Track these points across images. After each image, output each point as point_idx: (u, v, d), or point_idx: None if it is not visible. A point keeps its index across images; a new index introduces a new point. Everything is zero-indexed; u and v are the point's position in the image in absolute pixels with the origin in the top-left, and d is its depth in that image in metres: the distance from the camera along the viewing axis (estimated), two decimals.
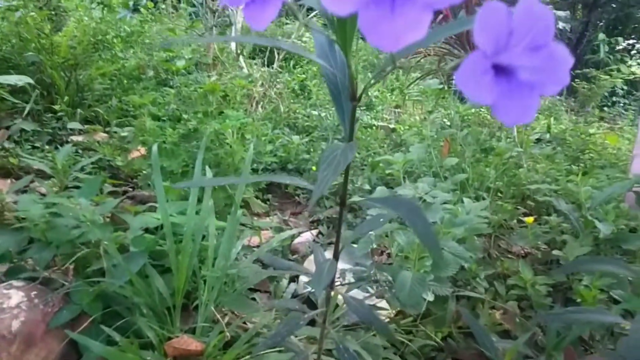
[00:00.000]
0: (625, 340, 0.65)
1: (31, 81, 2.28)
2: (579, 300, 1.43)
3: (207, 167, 1.34)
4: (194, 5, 4.35)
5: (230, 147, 1.81)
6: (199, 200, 1.39)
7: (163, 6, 5.02)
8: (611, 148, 3.39)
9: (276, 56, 4.26)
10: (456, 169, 1.97)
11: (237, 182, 1.23)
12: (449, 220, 1.28)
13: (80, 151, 2.36)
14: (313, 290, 1.45)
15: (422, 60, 2.87)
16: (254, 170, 1.93)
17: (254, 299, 1.35)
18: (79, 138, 2.57)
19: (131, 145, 1.84)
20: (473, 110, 2.71)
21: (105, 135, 2.68)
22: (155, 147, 1.13)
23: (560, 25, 5.98)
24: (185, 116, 2.44)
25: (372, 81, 0.53)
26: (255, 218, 2.16)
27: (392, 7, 0.26)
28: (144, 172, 1.84)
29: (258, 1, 0.40)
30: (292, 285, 1.44)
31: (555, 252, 1.65)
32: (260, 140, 1.91)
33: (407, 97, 4.11)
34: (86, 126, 2.68)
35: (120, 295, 1.03)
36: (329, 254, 1.49)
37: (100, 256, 1.07)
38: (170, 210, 1.16)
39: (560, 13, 5.99)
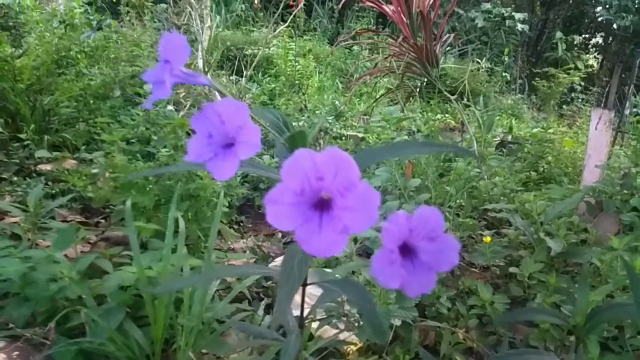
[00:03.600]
0: None
1: None
2: None
3: (178, 214, 1.39)
4: (159, 21, 4.33)
5: (202, 179, 1.85)
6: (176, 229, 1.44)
7: (127, 18, 4.97)
8: (568, 151, 3.58)
9: (245, 65, 4.30)
10: (420, 189, 2.07)
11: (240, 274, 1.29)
12: None
13: (49, 183, 2.35)
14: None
15: (385, 77, 2.97)
16: (227, 201, 1.98)
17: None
18: (47, 167, 2.56)
19: (102, 183, 1.86)
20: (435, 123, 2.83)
21: (74, 162, 2.67)
22: (129, 203, 1.18)
23: (519, 27, 6.20)
24: (154, 137, 2.46)
25: None
26: (229, 243, 2.22)
27: (319, 228, 0.34)
28: (116, 207, 1.87)
29: (219, 157, 0.46)
30: (267, 318, 1.51)
31: (512, 269, 1.77)
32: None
33: (375, 105, 4.21)
34: (54, 153, 2.66)
35: (102, 350, 1.08)
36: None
37: (79, 311, 1.11)
38: (145, 261, 1.20)
39: (519, 15, 6.21)
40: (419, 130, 2.18)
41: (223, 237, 2.06)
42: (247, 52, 4.90)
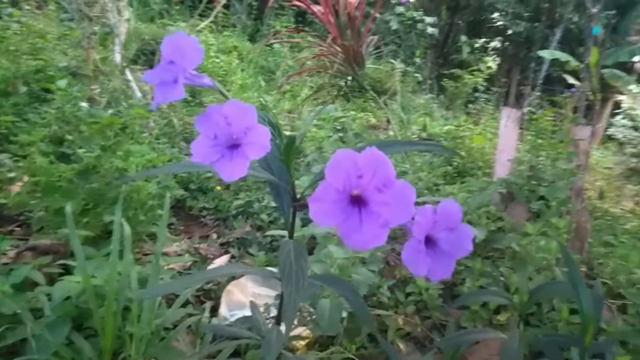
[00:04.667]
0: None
1: None
2: None
3: (120, 219, 1.31)
4: (66, 12, 4.00)
5: (134, 181, 1.77)
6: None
7: (27, 7, 4.52)
8: (477, 147, 3.90)
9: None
10: None
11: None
12: None
13: None
14: (234, 320, 1.51)
15: (313, 77, 3.02)
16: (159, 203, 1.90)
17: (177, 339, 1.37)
18: None
19: (21, 188, 1.70)
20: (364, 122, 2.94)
21: None
22: (69, 207, 1.10)
23: (430, 30, 6.60)
24: (69, 137, 2.29)
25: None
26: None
27: (360, 223, 0.37)
28: (33, 214, 1.72)
29: (226, 158, 0.47)
30: (214, 320, 1.49)
31: None
32: (168, 176, 1.89)
33: (301, 104, 4.25)
34: None
35: None
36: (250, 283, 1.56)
37: (15, 327, 1.03)
38: (89, 269, 1.13)
39: (429, 19, 6.61)
40: (351, 129, 2.25)
41: (154, 241, 1.98)
42: None
